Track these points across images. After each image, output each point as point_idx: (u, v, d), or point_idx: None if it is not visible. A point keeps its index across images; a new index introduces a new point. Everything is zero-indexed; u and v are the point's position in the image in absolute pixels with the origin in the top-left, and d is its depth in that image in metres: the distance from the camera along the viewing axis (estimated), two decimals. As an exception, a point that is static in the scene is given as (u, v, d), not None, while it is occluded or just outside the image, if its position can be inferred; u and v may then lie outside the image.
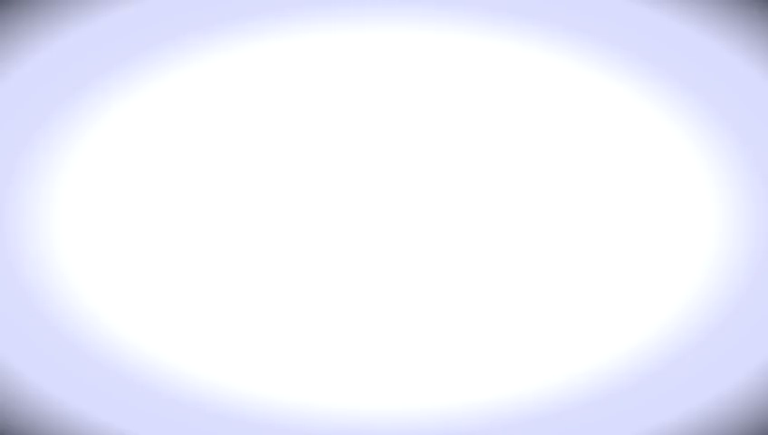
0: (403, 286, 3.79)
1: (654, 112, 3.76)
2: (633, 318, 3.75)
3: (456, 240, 3.79)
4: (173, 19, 3.80)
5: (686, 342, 3.74)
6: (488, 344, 3.77)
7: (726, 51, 3.75)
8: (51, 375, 3.77)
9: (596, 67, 3.76)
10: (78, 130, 3.79)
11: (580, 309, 3.76)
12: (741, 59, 3.74)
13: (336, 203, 3.79)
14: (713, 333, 3.73)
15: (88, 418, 3.77)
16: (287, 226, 3.80)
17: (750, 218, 3.74)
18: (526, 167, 3.77)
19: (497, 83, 3.78)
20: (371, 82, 3.79)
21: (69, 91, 3.79)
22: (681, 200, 3.76)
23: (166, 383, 3.77)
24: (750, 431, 3.71)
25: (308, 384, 3.77)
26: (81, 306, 3.78)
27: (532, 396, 3.76)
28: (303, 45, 3.79)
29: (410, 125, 3.79)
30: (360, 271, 3.79)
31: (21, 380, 3.77)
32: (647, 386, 3.74)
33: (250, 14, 3.79)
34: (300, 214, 3.80)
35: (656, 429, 3.73)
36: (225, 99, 3.80)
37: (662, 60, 3.76)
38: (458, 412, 3.75)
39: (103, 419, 3.77)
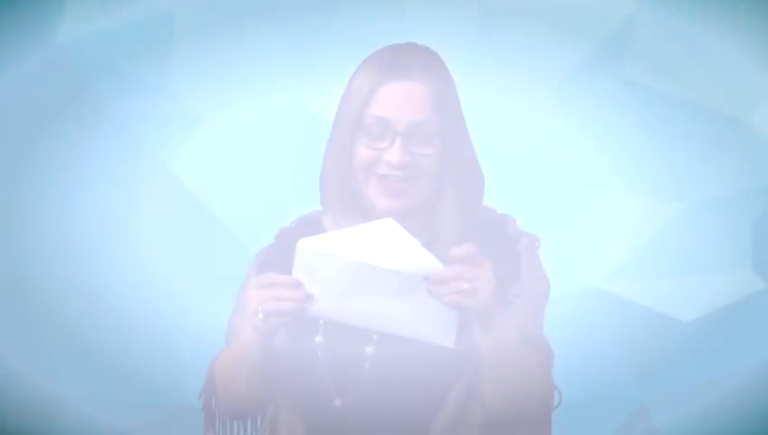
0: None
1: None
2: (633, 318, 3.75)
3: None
4: (173, 19, 3.80)
5: (685, 341, 3.74)
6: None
7: (726, 51, 3.75)
8: (51, 375, 3.77)
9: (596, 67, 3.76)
10: (78, 130, 3.79)
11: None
12: (741, 60, 3.74)
13: (336, 203, 3.79)
14: (712, 333, 3.73)
15: (88, 418, 3.77)
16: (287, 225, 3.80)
17: (750, 219, 3.74)
18: (526, 166, 3.77)
19: (497, 83, 3.78)
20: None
21: (69, 91, 3.79)
22: (681, 200, 3.76)
23: (165, 383, 3.76)
24: (750, 431, 3.71)
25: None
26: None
27: (531, 396, 3.75)
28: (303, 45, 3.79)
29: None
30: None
31: (21, 380, 3.77)
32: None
33: (250, 14, 3.80)
34: (299, 213, 3.80)
35: (656, 429, 3.73)
36: (225, 99, 3.80)
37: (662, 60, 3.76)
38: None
39: (103, 419, 3.77)
